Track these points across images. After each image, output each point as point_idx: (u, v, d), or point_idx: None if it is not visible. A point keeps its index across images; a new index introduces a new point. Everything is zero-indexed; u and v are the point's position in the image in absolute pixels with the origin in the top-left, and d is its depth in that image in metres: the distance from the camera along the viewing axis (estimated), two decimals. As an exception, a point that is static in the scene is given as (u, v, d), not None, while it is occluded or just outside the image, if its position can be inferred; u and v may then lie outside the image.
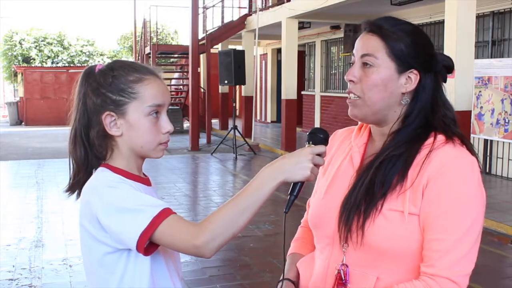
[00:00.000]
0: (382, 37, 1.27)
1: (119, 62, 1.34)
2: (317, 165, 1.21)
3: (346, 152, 1.41)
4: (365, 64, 1.28)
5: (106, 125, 1.28)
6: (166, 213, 1.19)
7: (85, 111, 1.31)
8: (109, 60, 1.33)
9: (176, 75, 19.03)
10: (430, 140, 1.25)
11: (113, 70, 1.30)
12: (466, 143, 1.26)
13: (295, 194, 1.25)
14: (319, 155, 1.21)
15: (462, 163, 1.20)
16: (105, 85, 1.29)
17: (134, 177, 1.32)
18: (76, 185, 1.35)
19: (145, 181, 1.37)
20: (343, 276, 1.28)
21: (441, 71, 1.31)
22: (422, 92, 1.28)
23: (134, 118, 1.28)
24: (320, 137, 1.26)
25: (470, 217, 1.17)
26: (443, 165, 1.19)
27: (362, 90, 1.28)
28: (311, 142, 1.25)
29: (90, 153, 1.32)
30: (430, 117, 1.28)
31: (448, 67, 1.31)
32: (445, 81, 1.33)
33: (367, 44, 1.28)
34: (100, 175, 1.29)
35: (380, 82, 1.26)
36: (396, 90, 1.27)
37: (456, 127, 1.29)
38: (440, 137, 1.25)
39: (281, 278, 1.45)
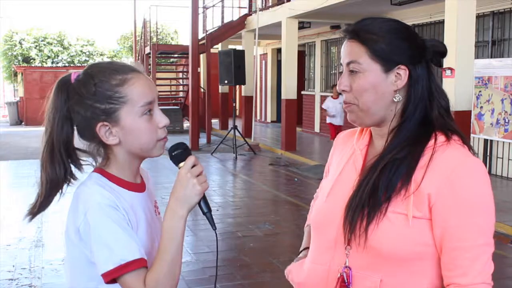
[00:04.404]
0: (362, 41, 1.27)
1: (95, 67, 1.26)
2: (199, 174, 1.22)
3: (348, 155, 1.40)
4: (352, 72, 1.29)
5: (102, 136, 1.24)
6: (135, 264, 1.18)
7: (65, 125, 1.26)
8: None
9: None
10: (431, 142, 1.25)
11: (93, 78, 1.22)
12: (466, 143, 1.26)
13: (207, 210, 1.26)
14: (194, 166, 1.22)
15: (471, 166, 1.21)
16: (89, 96, 1.22)
17: (127, 185, 1.29)
18: (43, 207, 1.32)
19: (139, 187, 1.34)
20: (345, 279, 1.27)
21: (433, 58, 1.30)
22: (415, 85, 1.27)
23: (129, 122, 1.23)
24: (181, 152, 1.25)
25: (488, 219, 1.19)
26: (452, 171, 1.19)
27: (354, 97, 1.29)
28: (179, 163, 1.24)
29: (68, 173, 1.29)
30: (428, 109, 1.28)
31: (440, 52, 1.30)
32: (440, 66, 1.32)
33: (349, 51, 1.29)
34: (95, 187, 1.23)
35: (369, 86, 1.26)
36: (387, 89, 1.27)
37: (450, 118, 1.30)
38: (441, 138, 1.25)
39: (301, 248, 1.48)
